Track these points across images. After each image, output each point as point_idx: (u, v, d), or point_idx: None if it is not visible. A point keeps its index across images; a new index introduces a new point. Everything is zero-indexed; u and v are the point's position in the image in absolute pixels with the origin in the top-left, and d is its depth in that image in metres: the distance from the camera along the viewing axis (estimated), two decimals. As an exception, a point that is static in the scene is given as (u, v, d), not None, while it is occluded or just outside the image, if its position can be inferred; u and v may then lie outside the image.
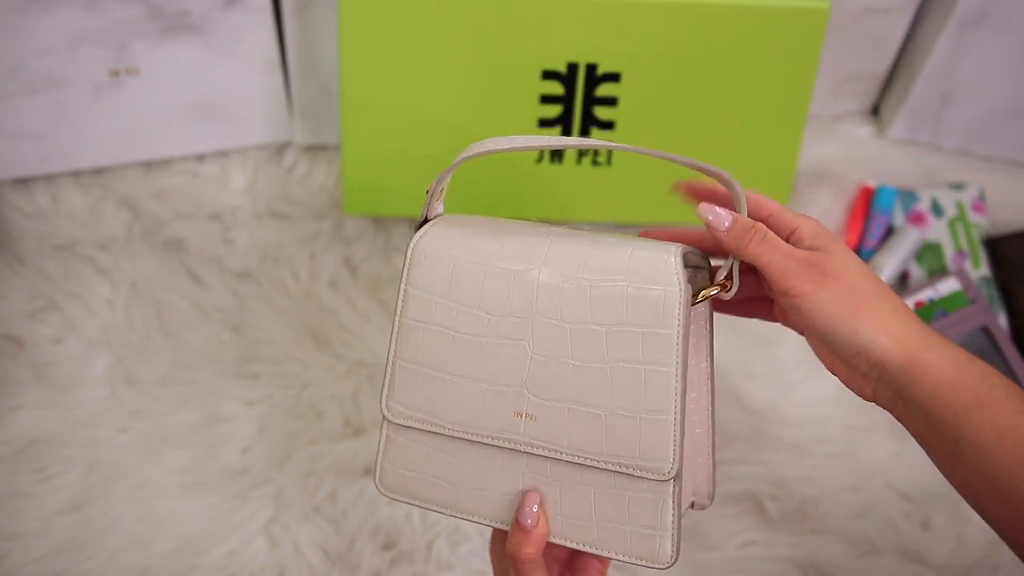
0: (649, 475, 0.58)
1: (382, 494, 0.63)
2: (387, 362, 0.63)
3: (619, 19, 0.89)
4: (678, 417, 0.58)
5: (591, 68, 0.91)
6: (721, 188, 0.63)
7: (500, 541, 0.64)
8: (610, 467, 0.59)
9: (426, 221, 0.64)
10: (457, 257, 0.61)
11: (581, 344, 0.59)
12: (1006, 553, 0.90)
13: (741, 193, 0.60)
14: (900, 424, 1.02)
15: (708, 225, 0.59)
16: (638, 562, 0.59)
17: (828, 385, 0.98)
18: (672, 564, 0.59)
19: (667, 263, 0.58)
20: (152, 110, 0.99)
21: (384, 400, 0.62)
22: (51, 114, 0.96)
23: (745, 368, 0.98)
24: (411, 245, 0.62)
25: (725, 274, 0.61)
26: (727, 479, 0.93)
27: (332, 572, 0.86)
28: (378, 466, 0.63)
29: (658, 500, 0.59)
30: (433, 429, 0.62)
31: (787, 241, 0.59)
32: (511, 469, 0.61)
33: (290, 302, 0.98)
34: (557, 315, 0.59)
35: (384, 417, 0.63)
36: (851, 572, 0.88)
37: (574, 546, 0.60)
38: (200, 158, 1.05)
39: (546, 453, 0.60)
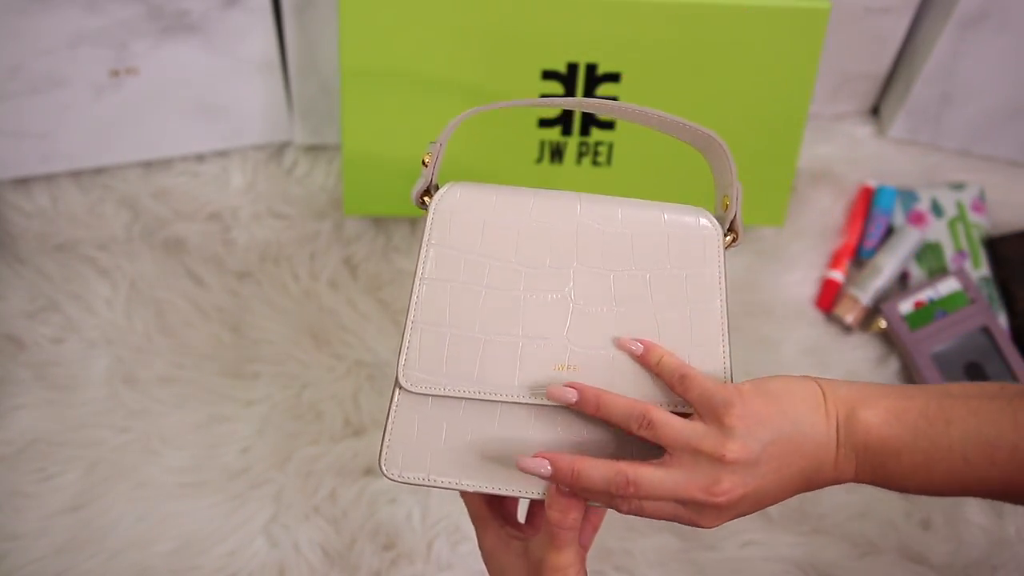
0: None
1: (388, 478, 0.58)
2: (405, 328, 0.59)
3: (619, 19, 0.89)
4: (726, 347, 0.60)
5: (591, 68, 0.91)
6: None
7: (493, 534, 0.61)
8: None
9: (428, 190, 0.62)
10: (487, 213, 0.61)
11: (624, 290, 0.59)
12: (1006, 553, 0.90)
13: (731, 159, 0.60)
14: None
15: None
16: None
17: (828, 385, 0.98)
18: None
19: (698, 212, 0.61)
20: (152, 110, 0.99)
21: (401, 368, 0.59)
22: (51, 114, 0.96)
23: (745, 368, 0.98)
24: (433, 204, 0.61)
25: (728, 227, 0.62)
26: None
27: (332, 572, 0.86)
28: (384, 446, 0.59)
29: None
30: (459, 395, 0.59)
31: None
32: (545, 431, 0.59)
33: (290, 302, 0.98)
34: (598, 263, 0.60)
35: (399, 388, 0.59)
36: (851, 572, 0.88)
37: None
38: (200, 158, 1.05)
39: None
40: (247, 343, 0.96)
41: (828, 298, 1.02)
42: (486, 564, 0.62)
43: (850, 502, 0.92)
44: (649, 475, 0.55)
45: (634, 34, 0.89)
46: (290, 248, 1.01)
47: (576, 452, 0.58)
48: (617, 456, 0.58)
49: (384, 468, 0.59)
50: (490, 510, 0.62)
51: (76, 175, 1.03)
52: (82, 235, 1.00)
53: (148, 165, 1.04)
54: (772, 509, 0.91)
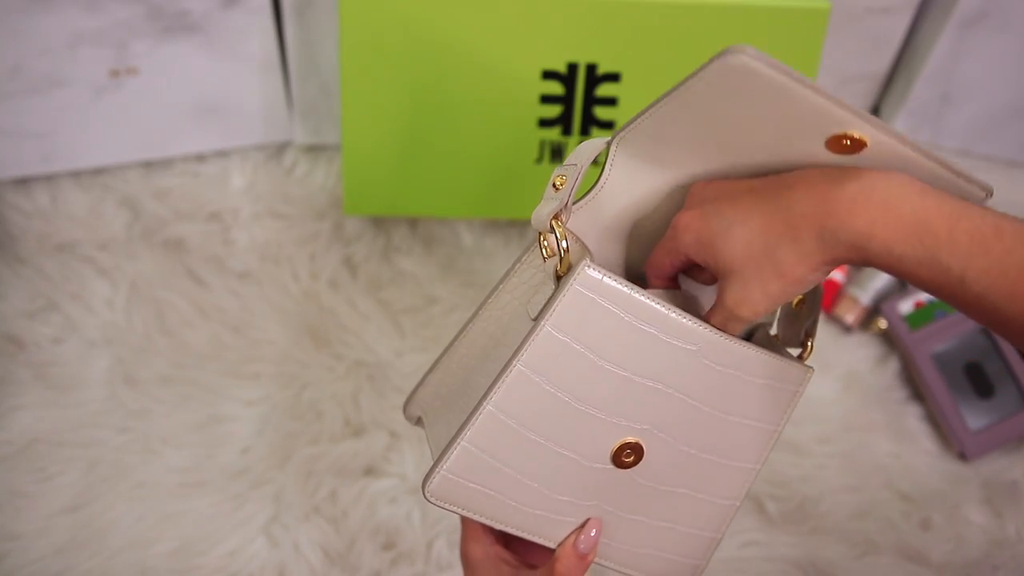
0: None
1: (429, 501, 0.56)
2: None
3: (619, 19, 0.89)
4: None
5: (591, 68, 0.91)
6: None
7: (483, 550, 0.62)
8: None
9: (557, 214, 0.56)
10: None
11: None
12: (1006, 553, 0.90)
13: None
14: (900, 418, 1.02)
15: None
16: None
17: (828, 385, 0.98)
18: None
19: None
20: (152, 110, 0.99)
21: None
22: (51, 114, 0.96)
23: (745, 368, 0.98)
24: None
25: (803, 336, 0.61)
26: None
27: (332, 572, 0.86)
28: (436, 474, 0.55)
29: (714, 539, 0.62)
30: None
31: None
32: (583, 499, 0.59)
33: (290, 302, 0.98)
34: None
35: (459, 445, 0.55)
36: (851, 572, 0.88)
37: (609, 566, 0.61)
38: (200, 158, 1.05)
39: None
40: (247, 343, 0.96)
41: (828, 298, 1.02)
42: (469, 571, 0.63)
43: (850, 502, 0.92)
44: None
45: (634, 34, 0.89)
46: (290, 248, 1.01)
47: (604, 516, 0.60)
48: None
49: (428, 493, 0.56)
50: (483, 524, 0.62)
51: (76, 175, 1.03)
52: (82, 235, 1.00)
53: (148, 165, 1.04)
54: (772, 509, 0.91)
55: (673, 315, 0.55)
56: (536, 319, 0.54)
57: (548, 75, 0.91)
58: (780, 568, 0.88)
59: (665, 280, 0.60)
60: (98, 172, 1.03)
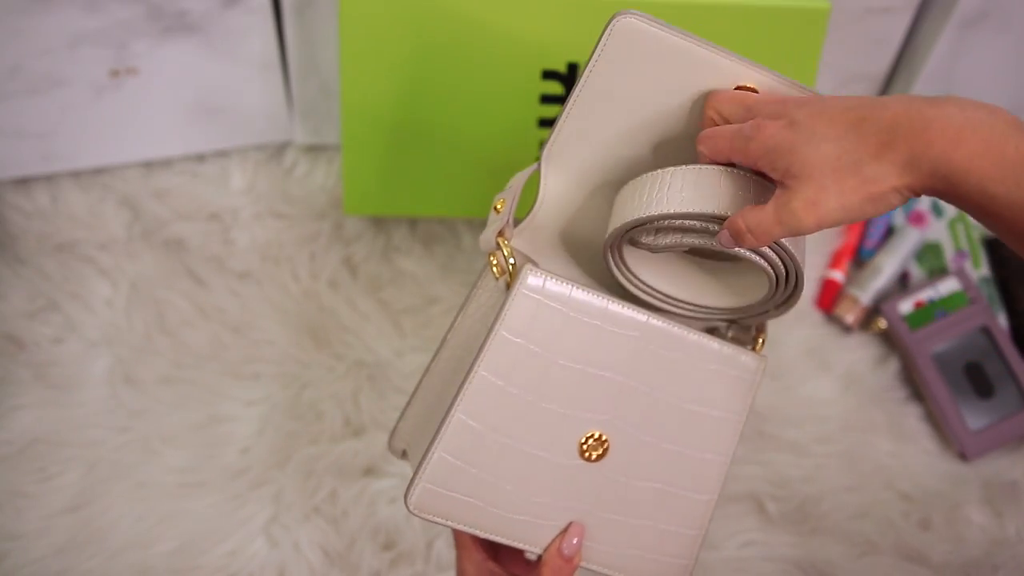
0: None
1: (412, 513, 0.58)
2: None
3: (619, 19, 0.89)
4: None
5: (591, 68, 0.91)
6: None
7: (475, 567, 0.63)
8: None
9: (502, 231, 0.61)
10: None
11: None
12: (1006, 553, 0.90)
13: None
14: (900, 418, 1.03)
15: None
16: None
17: (828, 385, 0.98)
18: None
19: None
20: (152, 110, 0.99)
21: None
22: (51, 114, 0.96)
23: (745, 368, 0.98)
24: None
25: (754, 332, 0.64)
26: (728, 479, 0.93)
27: (332, 572, 0.86)
28: (416, 486, 0.58)
29: (696, 536, 0.63)
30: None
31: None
32: (560, 500, 0.60)
33: (290, 302, 0.98)
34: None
35: (435, 453, 0.57)
36: (851, 572, 0.88)
37: (598, 569, 0.62)
38: (200, 158, 1.05)
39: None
40: (247, 343, 0.96)
41: (828, 298, 1.02)
42: None
43: (850, 502, 0.92)
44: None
45: (634, 34, 0.89)
46: (290, 248, 1.01)
47: (584, 519, 0.61)
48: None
49: (410, 505, 0.58)
50: (474, 540, 0.64)
51: (76, 175, 1.03)
52: (82, 235, 1.00)
53: (148, 165, 1.04)
54: (772, 509, 0.91)
55: (613, 307, 0.58)
56: (490, 326, 0.57)
57: (548, 75, 0.91)
58: (780, 568, 0.88)
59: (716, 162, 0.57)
60: (98, 172, 1.03)
